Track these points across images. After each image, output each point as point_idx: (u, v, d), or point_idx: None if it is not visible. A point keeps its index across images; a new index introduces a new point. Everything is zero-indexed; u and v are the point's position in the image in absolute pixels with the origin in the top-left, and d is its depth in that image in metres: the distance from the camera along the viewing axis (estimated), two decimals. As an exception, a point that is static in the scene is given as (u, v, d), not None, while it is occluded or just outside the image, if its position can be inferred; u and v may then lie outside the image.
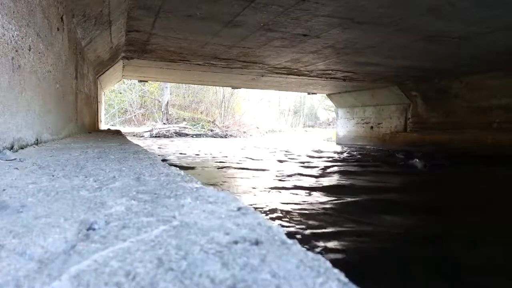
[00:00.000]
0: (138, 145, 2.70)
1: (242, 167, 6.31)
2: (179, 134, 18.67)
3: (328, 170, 6.07)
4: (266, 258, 0.46)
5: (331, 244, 2.40)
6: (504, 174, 6.16)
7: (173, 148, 10.31)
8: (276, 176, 5.22)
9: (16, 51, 1.74)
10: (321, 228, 2.73)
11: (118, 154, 1.83)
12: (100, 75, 7.37)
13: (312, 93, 13.71)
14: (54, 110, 2.81)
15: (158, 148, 10.26)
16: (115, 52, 6.16)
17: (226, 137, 19.09)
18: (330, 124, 31.80)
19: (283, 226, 2.76)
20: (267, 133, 24.18)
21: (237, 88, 13.54)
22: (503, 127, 7.47)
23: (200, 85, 21.64)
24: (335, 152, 9.93)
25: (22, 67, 1.85)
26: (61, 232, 0.57)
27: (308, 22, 4.47)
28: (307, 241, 2.42)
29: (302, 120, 35.40)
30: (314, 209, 3.30)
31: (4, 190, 0.89)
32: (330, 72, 8.15)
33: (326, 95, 13.61)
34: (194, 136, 18.84)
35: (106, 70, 7.49)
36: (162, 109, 22.75)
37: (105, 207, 0.73)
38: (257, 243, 0.51)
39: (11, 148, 1.72)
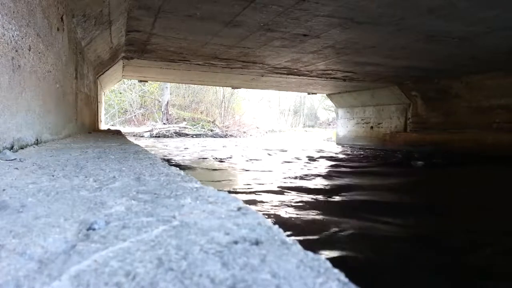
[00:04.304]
0: (138, 145, 2.70)
1: (242, 167, 6.31)
2: (179, 134, 18.68)
3: (328, 170, 6.07)
4: (266, 258, 0.46)
5: (331, 244, 2.40)
6: (504, 174, 6.16)
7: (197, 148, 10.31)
8: (276, 176, 5.22)
9: (16, 51, 1.74)
10: (321, 228, 2.73)
11: (118, 154, 1.83)
12: (100, 75, 7.37)
13: (312, 93, 13.71)
14: (54, 110, 2.81)
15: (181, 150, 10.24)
16: (115, 52, 6.16)
17: (226, 137, 19.09)
18: (330, 124, 31.79)
19: (283, 226, 2.76)
20: (267, 133, 24.19)
21: (237, 88, 13.54)
22: (503, 127, 7.47)
23: (200, 85, 21.64)
24: (335, 152, 9.93)
25: (22, 67, 1.85)
26: (61, 232, 0.57)
27: (308, 22, 4.47)
28: (307, 241, 2.42)
29: (302, 120, 35.41)
30: (314, 209, 3.30)
31: (4, 190, 0.89)
32: (330, 72, 8.15)
33: (326, 95, 13.61)
34: (194, 136, 18.85)
35: (106, 70, 7.49)
36: (162, 109, 22.75)
37: (105, 207, 0.73)
38: (257, 243, 0.51)
39: (11, 148, 1.72)
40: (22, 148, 1.89)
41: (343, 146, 12.36)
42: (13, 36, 1.68)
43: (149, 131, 18.30)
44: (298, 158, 8.05)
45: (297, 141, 17.10)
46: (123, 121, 22.99)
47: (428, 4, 3.75)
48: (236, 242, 0.51)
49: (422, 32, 4.74)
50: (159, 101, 23.94)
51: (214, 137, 19.03)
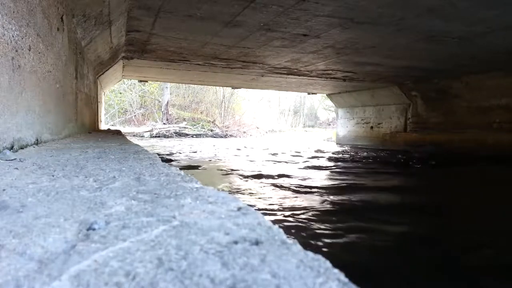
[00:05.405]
0: (138, 145, 2.70)
1: (242, 167, 6.31)
2: (179, 134, 18.68)
3: (328, 170, 6.07)
4: (266, 258, 0.46)
5: (331, 244, 2.40)
6: (504, 174, 6.15)
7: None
8: (276, 176, 5.22)
9: (16, 51, 1.74)
10: (321, 228, 2.73)
11: (118, 154, 1.83)
12: (100, 75, 7.37)
13: (312, 93, 13.71)
14: (54, 110, 2.81)
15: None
16: (115, 52, 6.16)
17: (226, 137, 19.09)
18: (330, 124, 31.80)
19: (282, 226, 2.76)
20: (267, 133, 24.20)
21: (237, 88, 13.54)
22: (503, 127, 7.47)
23: (200, 85, 21.65)
24: (335, 152, 9.93)
25: (22, 67, 1.85)
26: (61, 232, 0.57)
27: (308, 22, 4.47)
28: (307, 241, 2.42)
29: (302, 120, 35.42)
30: (313, 209, 3.30)
31: (4, 190, 0.89)
32: (330, 72, 8.15)
33: (326, 95, 13.62)
34: (194, 136, 18.84)
35: (106, 70, 7.49)
36: (162, 109, 22.75)
37: (105, 207, 0.73)
38: (257, 243, 0.51)
39: (11, 148, 1.72)
40: (22, 148, 1.89)
41: (343, 146, 12.36)
42: (13, 36, 1.68)
43: (149, 131, 18.30)
44: (298, 158, 8.05)
45: (297, 141, 17.10)
46: (123, 121, 22.99)
47: (428, 4, 3.75)
48: (236, 242, 0.51)
49: (422, 32, 4.74)
50: (159, 101, 23.94)
51: (214, 137, 19.03)
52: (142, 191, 0.89)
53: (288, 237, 0.53)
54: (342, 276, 0.40)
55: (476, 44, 5.24)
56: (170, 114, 22.85)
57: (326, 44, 5.60)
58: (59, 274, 0.42)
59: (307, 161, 7.42)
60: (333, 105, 14.16)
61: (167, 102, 22.79)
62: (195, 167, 6.14)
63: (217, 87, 24.21)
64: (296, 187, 4.40)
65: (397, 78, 8.78)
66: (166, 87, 22.60)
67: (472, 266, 2.12)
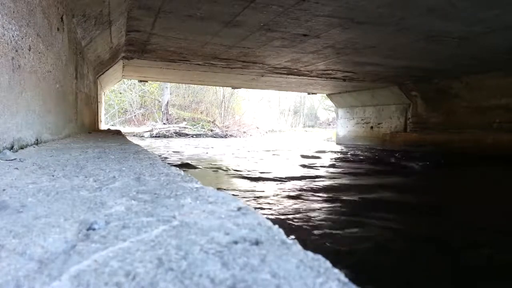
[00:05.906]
0: (138, 145, 2.70)
1: (241, 167, 6.31)
2: (179, 134, 18.67)
3: (328, 170, 6.07)
4: (266, 258, 0.46)
5: (331, 244, 2.40)
6: (504, 174, 6.15)
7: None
8: (276, 176, 5.22)
9: (16, 51, 1.74)
10: (321, 228, 2.73)
11: (118, 154, 1.83)
12: (100, 75, 7.37)
13: (312, 93, 13.71)
14: (54, 110, 2.81)
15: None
16: (115, 52, 6.16)
17: (226, 137, 19.09)
18: (330, 124, 31.80)
19: (282, 226, 2.76)
20: (267, 133, 24.19)
21: (237, 88, 13.54)
22: (503, 127, 7.48)
23: (200, 85, 21.65)
24: (335, 152, 9.93)
25: (22, 67, 1.85)
26: (61, 232, 0.57)
27: (308, 22, 4.47)
28: (307, 241, 2.42)
29: (302, 120, 35.43)
30: (313, 209, 3.30)
31: (4, 190, 0.89)
32: (330, 72, 8.15)
33: (326, 95, 13.62)
34: (194, 136, 18.84)
35: (106, 70, 7.49)
36: (162, 109, 22.76)
37: (105, 207, 0.73)
38: (257, 243, 0.51)
39: (11, 148, 1.72)
40: (22, 148, 1.89)
41: (343, 146, 12.37)
42: (13, 36, 1.68)
43: (149, 131, 18.30)
44: (297, 158, 8.05)
45: (297, 141, 17.10)
46: (123, 121, 22.99)
47: (428, 4, 3.75)
48: (236, 242, 0.51)
49: (422, 32, 4.74)
50: (159, 101, 23.95)
51: (214, 137, 19.02)
52: (142, 191, 0.89)
53: (288, 237, 0.53)
54: (342, 276, 0.40)
55: (476, 44, 5.24)
56: (170, 114, 22.86)
57: (326, 44, 5.60)
58: (59, 274, 0.42)
59: (307, 161, 7.42)
60: (333, 105, 14.16)
61: (167, 102, 22.80)
62: (195, 167, 6.14)
63: (217, 87, 24.21)
64: (295, 186, 4.40)
65: (397, 78, 8.78)
66: (166, 87, 22.60)
67: (472, 265, 2.12)
